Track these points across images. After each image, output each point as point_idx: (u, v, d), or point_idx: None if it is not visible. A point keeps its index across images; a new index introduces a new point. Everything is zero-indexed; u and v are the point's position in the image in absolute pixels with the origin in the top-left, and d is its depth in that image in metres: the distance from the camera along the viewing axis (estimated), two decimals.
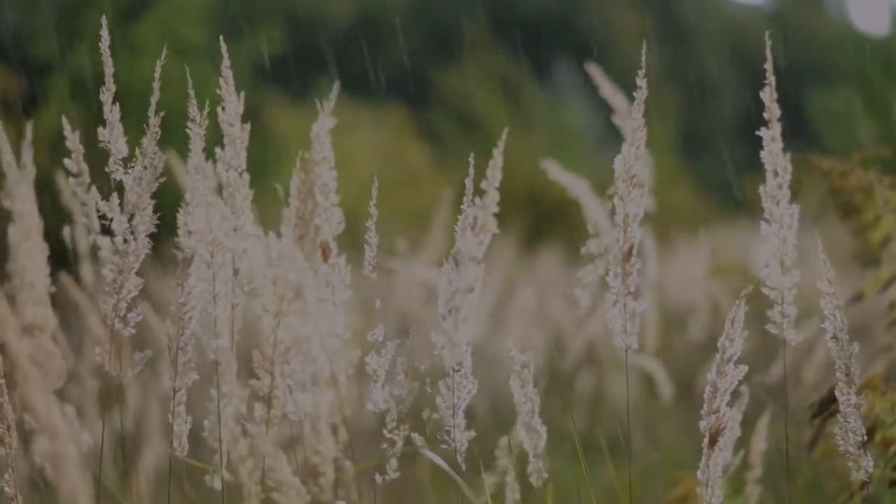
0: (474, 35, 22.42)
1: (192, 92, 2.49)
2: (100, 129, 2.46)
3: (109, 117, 2.46)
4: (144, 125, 2.47)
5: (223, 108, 2.51)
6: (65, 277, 3.41)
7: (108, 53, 2.46)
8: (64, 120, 2.63)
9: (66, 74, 10.78)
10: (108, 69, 2.46)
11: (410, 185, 14.12)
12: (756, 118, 2.50)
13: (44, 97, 10.87)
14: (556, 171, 3.95)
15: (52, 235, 3.05)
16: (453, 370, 2.39)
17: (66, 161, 2.67)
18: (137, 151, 2.47)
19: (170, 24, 11.15)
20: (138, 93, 2.41)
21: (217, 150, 2.50)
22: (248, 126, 2.52)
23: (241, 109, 2.52)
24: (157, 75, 2.46)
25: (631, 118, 2.45)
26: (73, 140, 2.64)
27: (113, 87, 2.46)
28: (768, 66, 2.42)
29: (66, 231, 3.27)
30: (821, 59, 21.04)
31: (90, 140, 2.57)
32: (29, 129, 2.95)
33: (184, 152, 2.55)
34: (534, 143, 15.78)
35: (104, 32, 2.46)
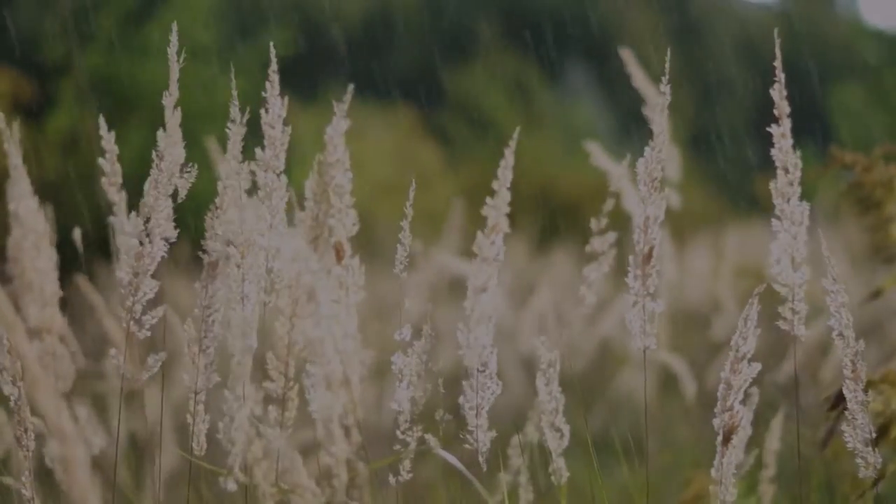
0: (485, 35, 22.42)
1: (234, 93, 2.47)
2: (159, 133, 2.45)
3: (170, 122, 2.45)
4: (155, 125, 2.46)
5: (266, 110, 2.50)
6: (79, 279, 3.41)
7: (175, 59, 2.45)
8: (101, 120, 2.62)
9: (77, 77, 10.80)
10: (174, 75, 2.45)
11: (422, 186, 14.13)
12: (767, 116, 2.50)
13: (54, 100, 10.89)
14: (598, 155, 3.94)
15: (66, 237, 3.04)
16: (478, 370, 2.39)
17: (101, 161, 2.67)
18: (154, 154, 2.46)
19: (179, 25, 11.16)
20: (147, 94, 2.40)
21: (257, 150, 2.49)
22: (289, 129, 2.51)
23: (284, 112, 2.51)
24: (176, 77, 2.45)
25: (654, 123, 2.45)
26: (108, 140, 2.63)
27: (176, 94, 2.45)
28: (777, 63, 2.41)
29: (76, 233, 3.27)
30: (832, 57, 21.02)
31: (99, 140, 2.56)
32: (15, 129, 2.95)
33: (194, 153, 2.53)
34: (546, 143, 15.78)
35: (173, 38, 2.45)
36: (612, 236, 2.97)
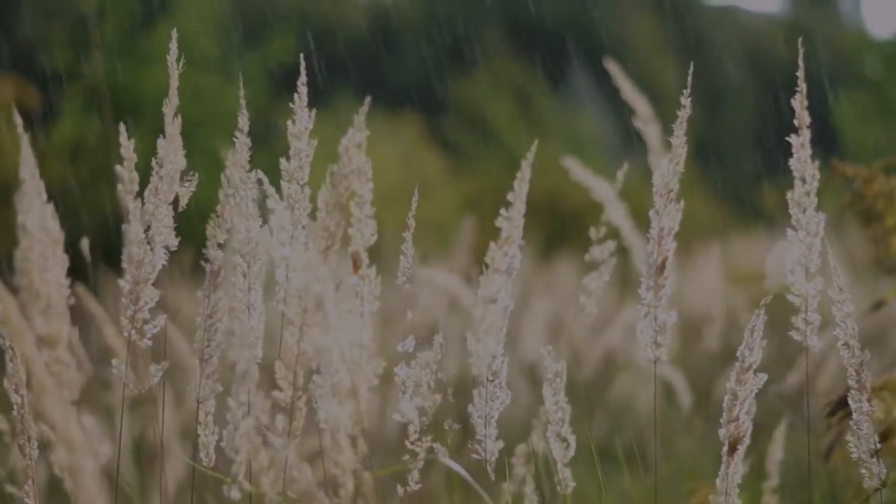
0: (490, 44, 22.43)
1: (242, 101, 2.47)
2: (159, 141, 2.45)
3: (170, 129, 2.45)
4: (159, 133, 2.46)
5: (293, 122, 2.49)
6: (79, 289, 3.40)
7: (175, 67, 2.45)
8: (121, 126, 2.61)
9: (81, 85, 10.82)
10: (174, 82, 2.45)
11: (426, 194, 14.13)
12: (771, 126, 2.51)
13: (60, 107, 10.90)
14: (577, 171, 3.94)
15: (73, 246, 3.05)
16: (487, 380, 2.39)
17: (118, 168, 2.65)
18: (154, 161, 2.45)
19: (183, 33, 11.17)
20: (150, 102, 2.40)
21: (282, 161, 2.49)
22: (314, 141, 2.50)
23: (311, 125, 2.50)
24: (176, 84, 2.45)
25: (673, 135, 2.44)
26: (127, 147, 2.61)
27: (176, 100, 2.45)
28: (800, 73, 2.41)
29: (83, 242, 3.27)
30: (836, 67, 21.01)
31: (104, 148, 2.57)
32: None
33: (195, 161, 2.53)
34: (549, 151, 15.79)
35: (172, 45, 2.45)
36: (611, 245, 2.96)
